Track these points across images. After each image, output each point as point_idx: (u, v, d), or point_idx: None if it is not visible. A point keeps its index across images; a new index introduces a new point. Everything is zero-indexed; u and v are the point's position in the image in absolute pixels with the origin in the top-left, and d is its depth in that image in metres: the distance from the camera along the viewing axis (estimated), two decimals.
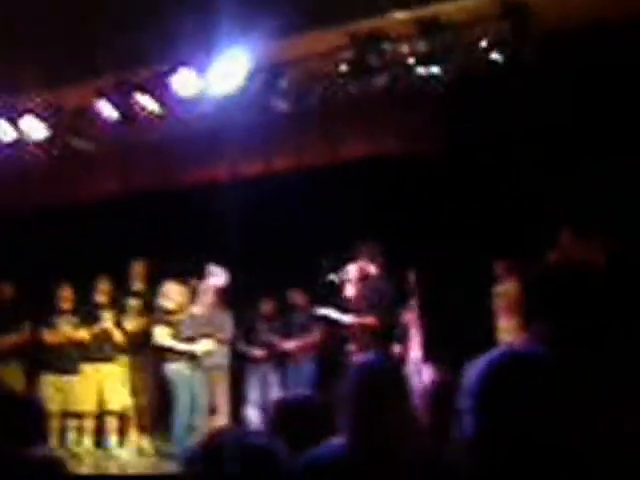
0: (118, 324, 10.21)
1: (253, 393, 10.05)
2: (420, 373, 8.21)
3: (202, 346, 9.33)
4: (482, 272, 8.76)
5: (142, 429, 10.32)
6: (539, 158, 8.16)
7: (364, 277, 8.75)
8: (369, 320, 8.54)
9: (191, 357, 9.34)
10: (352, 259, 8.80)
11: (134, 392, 10.27)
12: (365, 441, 3.02)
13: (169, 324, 9.51)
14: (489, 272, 8.87)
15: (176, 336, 9.43)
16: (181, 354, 9.34)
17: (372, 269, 8.74)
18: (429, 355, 7.82)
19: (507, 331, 8.63)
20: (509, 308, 8.47)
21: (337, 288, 8.81)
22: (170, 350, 9.38)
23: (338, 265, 8.80)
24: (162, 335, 9.49)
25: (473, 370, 2.02)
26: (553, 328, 6.30)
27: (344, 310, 8.79)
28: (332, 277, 8.82)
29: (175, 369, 9.38)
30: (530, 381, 1.94)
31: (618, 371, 3.30)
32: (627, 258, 6.78)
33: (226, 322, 9.67)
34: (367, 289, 8.74)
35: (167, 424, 9.50)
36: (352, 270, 8.78)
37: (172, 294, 9.67)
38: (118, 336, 10.14)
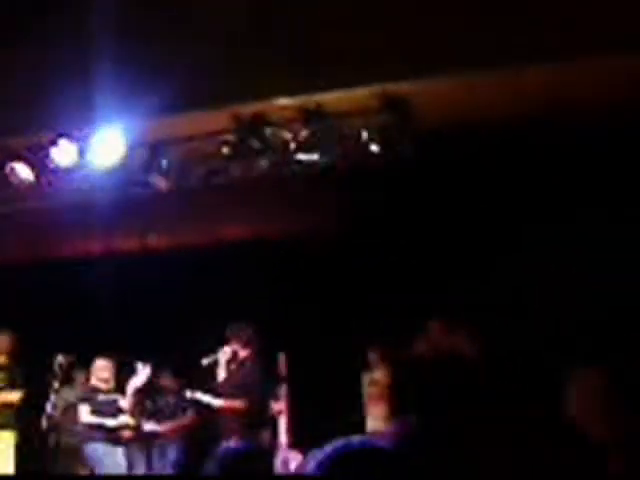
0: None
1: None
2: (287, 460, 8.19)
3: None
4: (354, 358, 8.80)
5: None
6: (415, 249, 8.32)
7: (235, 360, 8.69)
8: (238, 404, 8.45)
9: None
10: (225, 341, 8.74)
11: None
12: None
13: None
14: (362, 359, 8.91)
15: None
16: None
17: (243, 352, 8.69)
18: (298, 441, 7.76)
19: (377, 419, 8.66)
20: (379, 396, 8.52)
21: (209, 371, 8.73)
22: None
23: (211, 347, 8.73)
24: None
25: (312, 459, 2.02)
26: (416, 421, 6.36)
27: (216, 394, 8.70)
28: (204, 361, 8.74)
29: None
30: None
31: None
32: (494, 348, 6.95)
33: None
34: (238, 372, 8.68)
35: None
36: (224, 353, 8.72)
37: (102, 372, 9.45)
38: None
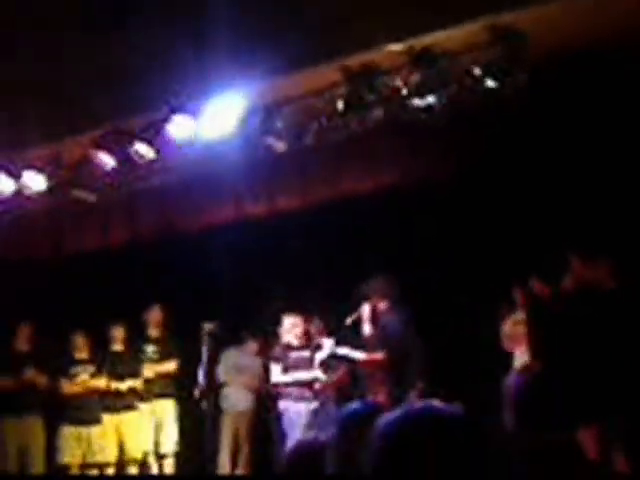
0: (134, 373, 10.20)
1: None
2: None
3: None
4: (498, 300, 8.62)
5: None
6: (544, 182, 8.04)
7: (376, 314, 8.65)
8: (380, 356, 8.42)
9: None
10: (364, 298, 8.70)
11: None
12: None
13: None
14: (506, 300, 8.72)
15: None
16: None
17: (382, 305, 8.64)
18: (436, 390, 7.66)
19: (522, 358, 8.47)
20: (524, 336, 8.32)
21: (354, 329, 8.72)
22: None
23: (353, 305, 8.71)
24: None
25: (380, 425, 1.93)
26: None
27: (362, 349, 8.68)
28: (348, 319, 8.74)
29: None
30: (432, 451, 1.83)
31: None
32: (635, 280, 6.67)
33: None
34: (379, 326, 8.64)
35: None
36: (365, 309, 8.69)
37: (293, 328, 9.56)
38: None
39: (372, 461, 1.92)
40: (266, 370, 9.73)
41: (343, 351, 8.82)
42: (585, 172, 7.68)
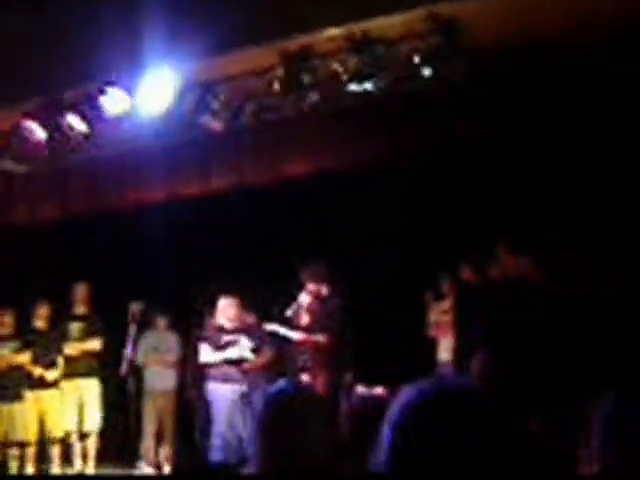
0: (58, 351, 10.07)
1: None
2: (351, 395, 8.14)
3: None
4: (423, 287, 8.69)
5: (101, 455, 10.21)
6: (477, 172, 8.13)
7: (316, 299, 8.66)
8: (320, 338, 8.45)
9: None
10: (302, 283, 8.71)
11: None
12: None
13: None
14: (432, 287, 8.80)
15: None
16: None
17: (322, 290, 8.66)
18: (364, 376, 7.70)
19: (447, 350, 8.57)
20: (450, 326, 8.41)
21: (295, 319, 8.71)
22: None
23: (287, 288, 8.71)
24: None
25: (399, 399, 1.85)
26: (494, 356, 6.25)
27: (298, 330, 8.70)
28: (288, 312, 8.73)
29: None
30: (452, 428, 1.77)
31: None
32: (563, 274, 6.77)
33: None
34: (319, 310, 8.65)
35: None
36: (304, 298, 8.70)
37: (228, 309, 9.49)
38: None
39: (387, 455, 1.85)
40: (193, 349, 9.67)
41: (282, 330, 8.81)
42: (517, 165, 7.78)
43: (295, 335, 8.69)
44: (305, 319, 8.71)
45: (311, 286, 8.68)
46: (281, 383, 3.29)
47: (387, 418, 1.84)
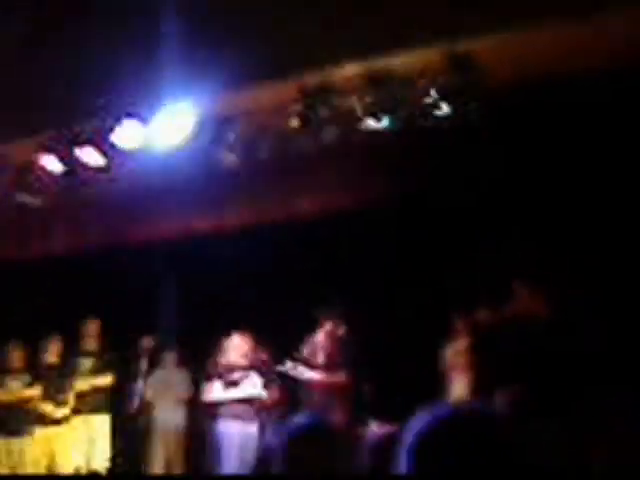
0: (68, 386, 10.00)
1: None
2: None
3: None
4: (436, 328, 8.62)
5: None
6: (491, 210, 8.10)
7: (332, 339, 8.62)
8: (338, 378, 8.39)
9: None
10: (318, 324, 8.67)
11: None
12: None
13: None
14: (443, 328, 8.73)
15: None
16: None
17: (339, 330, 8.63)
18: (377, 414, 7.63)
19: (461, 389, 8.46)
20: (465, 366, 8.31)
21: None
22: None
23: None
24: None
25: (414, 425, 1.82)
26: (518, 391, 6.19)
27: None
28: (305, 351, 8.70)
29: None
30: (471, 447, 1.74)
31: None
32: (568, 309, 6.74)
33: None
34: (335, 349, 8.59)
35: None
36: (319, 338, 8.66)
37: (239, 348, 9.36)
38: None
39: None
40: (203, 387, 9.57)
41: (298, 371, 8.74)
42: (533, 201, 7.75)
43: (312, 375, 8.62)
44: (321, 358, 8.64)
45: (327, 325, 8.63)
46: (302, 418, 3.18)
47: (403, 444, 1.81)
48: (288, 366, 8.82)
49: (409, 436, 1.79)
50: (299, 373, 8.74)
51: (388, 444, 4.59)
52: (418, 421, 1.80)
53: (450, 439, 1.76)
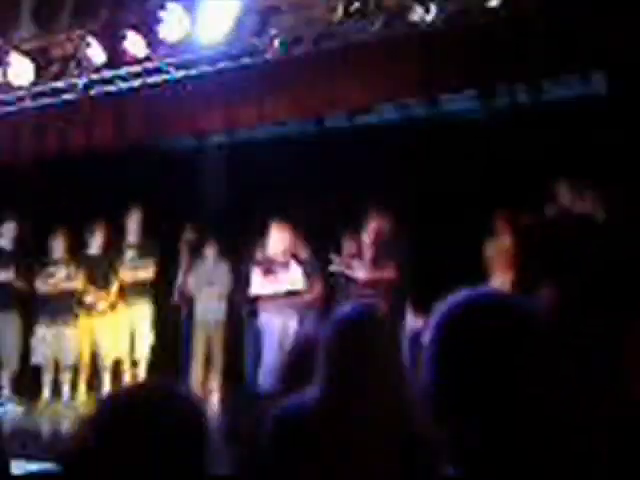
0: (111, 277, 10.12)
1: None
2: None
3: None
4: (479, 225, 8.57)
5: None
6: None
7: (380, 236, 8.61)
8: (387, 274, 8.40)
9: None
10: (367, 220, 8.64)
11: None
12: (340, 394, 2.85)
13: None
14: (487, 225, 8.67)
15: None
16: None
17: (386, 227, 8.61)
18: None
19: (500, 286, 8.45)
20: (506, 264, 8.28)
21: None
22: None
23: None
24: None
25: (437, 313, 1.81)
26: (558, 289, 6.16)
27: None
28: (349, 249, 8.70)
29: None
30: (497, 333, 1.71)
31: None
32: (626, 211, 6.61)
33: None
34: (383, 246, 8.59)
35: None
36: (367, 235, 8.65)
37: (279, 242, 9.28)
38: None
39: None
40: (244, 278, 9.59)
41: (345, 270, 8.77)
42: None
43: (362, 272, 8.63)
44: (369, 254, 8.64)
45: (374, 221, 8.60)
46: (350, 307, 3.15)
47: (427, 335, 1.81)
48: (336, 263, 8.83)
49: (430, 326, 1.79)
50: (349, 271, 8.76)
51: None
52: (437, 311, 1.80)
53: (463, 329, 1.74)
